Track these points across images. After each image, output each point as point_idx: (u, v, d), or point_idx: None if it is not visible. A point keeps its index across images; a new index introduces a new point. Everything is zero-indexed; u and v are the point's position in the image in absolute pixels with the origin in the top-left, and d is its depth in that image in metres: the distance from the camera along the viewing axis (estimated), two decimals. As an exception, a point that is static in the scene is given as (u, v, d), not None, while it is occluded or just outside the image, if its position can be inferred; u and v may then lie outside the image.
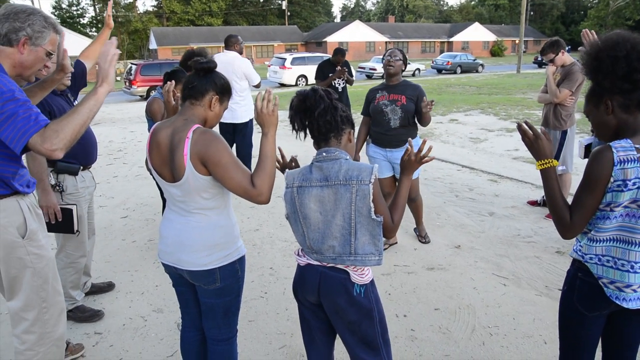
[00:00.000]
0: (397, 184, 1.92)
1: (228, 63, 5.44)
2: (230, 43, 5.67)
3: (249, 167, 4.85)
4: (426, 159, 1.89)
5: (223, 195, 1.98)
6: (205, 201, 1.93)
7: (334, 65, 6.77)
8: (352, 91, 14.53)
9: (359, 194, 1.73)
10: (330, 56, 6.98)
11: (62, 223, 2.87)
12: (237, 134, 5.71)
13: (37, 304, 2.10)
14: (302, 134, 1.87)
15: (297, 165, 2.21)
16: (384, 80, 4.18)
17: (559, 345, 1.92)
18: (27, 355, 2.12)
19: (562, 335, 1.88)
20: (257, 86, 5.70)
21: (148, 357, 2.83)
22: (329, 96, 1.82)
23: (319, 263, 1.85)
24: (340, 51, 6.81)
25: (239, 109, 5.57)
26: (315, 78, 6.94)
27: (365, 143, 4.33)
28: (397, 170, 4.21)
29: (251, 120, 5.77)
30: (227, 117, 5.53)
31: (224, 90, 2.00)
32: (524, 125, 1.75)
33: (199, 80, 1.94)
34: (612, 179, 1.56)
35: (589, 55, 1.64)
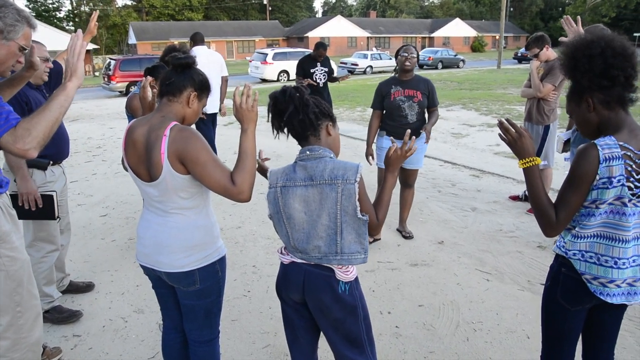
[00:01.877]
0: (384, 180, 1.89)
1: (213, 58, 5.78)
2: (201, 39, 5.87)
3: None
4: (410, 152, 1.88)
5: (202, 194, 1.93)
6: (184, 201, 1.88)
7: (315, 60, 6.71)
8: (341, 87, 14.49)
9: (345, 193, 1.70)
10: (312, 51, 6.92)
11: (43, 209, 2.83)
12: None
13: (10, 308, 2.02)
14: (284, 135, 1.84)
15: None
16: (395, 75, 4.23)
17: (541, 339, 1.93)
18: (0, 361, 2.05)
19: (544, 329, 1.90)
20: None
21: (129, 359, 2.77)
22: (300, 94, 1.79)
23: (303, 261, 1.82)
24: (321, 45, 6.74)
25: (214, 102, 5.82)
26: (296, 74, 6.86)
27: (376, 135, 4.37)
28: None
29: (216, 114, 6.02)
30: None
31: (203, 87, 1.94)
32: (505, 122, 1.72)
33: (177, 76, 1.88)
34: (597, 177, 1.56)
35: (565, 55, 1.65)
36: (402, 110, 4.09)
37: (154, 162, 1.79)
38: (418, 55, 4.21)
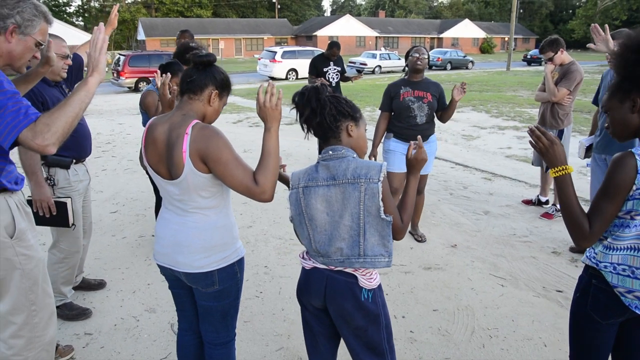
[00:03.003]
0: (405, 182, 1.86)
1: None
2: (191, 35, 5.81)
3: None
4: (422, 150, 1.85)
5: (222, 193, 1.90)
6: (204, 200, 1.85)
7: (328, 59, 6.65)
8: (350, 86, 14.45)
9: (368, 193, 1.66)
10: (324, 50, 6.85)
11: (57, 217, 2.79)
12: None
13: (25, 307, 2.00)
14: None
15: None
16: (404, 76, 4.20)
17: (569, 353, 1.87)
18: (14, 360, 2.02)
19: (573, 342, 1.83)
20: None
21: (141, 359, 2.74)
22: (318, 95, 1.75)
23: (325, 266, 1.78)
24: (335, 44, 6.67)
25: None
26: (309, 73, 6.81)
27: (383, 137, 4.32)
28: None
29: None
30: None
31: (224, 85, 1.91)
32: (536, 130, 1.66)
33: (198, 74, 1.85)
34: (634, 187, 1.51)
35: (628, 48, 1.56)
36: (412, 111, 4.04)
37: (175, 161, 1.76)
38: (429, 56, 4.17)
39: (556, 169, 1.63)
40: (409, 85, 4.07)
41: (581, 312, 1.74)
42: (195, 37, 5.23)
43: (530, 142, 1.70)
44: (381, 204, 1.67)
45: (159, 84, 3.25)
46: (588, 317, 1.71)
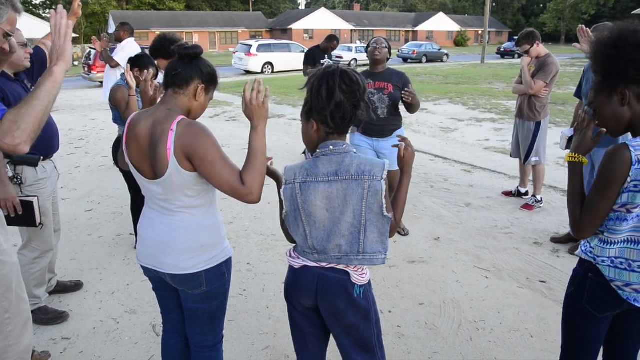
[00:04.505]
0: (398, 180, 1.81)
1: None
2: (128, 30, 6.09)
3: None
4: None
5: (208, 192, 1.82)
6: (190, 199, 1.77)
7: (325, 52, 6.62)
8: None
9: (371, 190, 1.61)
10: (321, 43, 6.81)
11: (23, 216, 2.66)
12: None
13: (-2, 314, 1.89)
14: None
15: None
16: (368, 68, 4.11)
17: (561, 345, 1.87)
18: (-12, 370, 1.92)
19: (566, 335, 1.83)
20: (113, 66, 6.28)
21: (122, 363, 2.65)
22: (363, 80, 1.66)
23: (316, 264, 1.73)
24: (335, 37, 6.68)
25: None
26: (304, 64, 6.71)
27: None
28: (382, 159, 4.19)
29: None
30: None
31: (211, 79, 1.82)
32: (588, 108, 1.69)
33: (184, 67, 1.76)
34: (629, 179, 1.50)
35: (604, 44, 1.56)
36: (372, 104, 3.94)
37: (159, 158, 1.67)
38: (390, 47, 4.08)
39: (573, 154, 1.70)
40: (370, 77, 4.00)
41: (576, 305, 1.74)
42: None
43: (580, 115, 1.72)
44: (384, 201, 1.63)
45: (128, 79, 3.14)
46: (583, 310, 1.71)
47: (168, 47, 3.33)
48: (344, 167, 1.64)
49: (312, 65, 6.55)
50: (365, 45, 4.21)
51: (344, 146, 1.68)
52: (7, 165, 2.64)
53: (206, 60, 1.82)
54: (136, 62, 3.45)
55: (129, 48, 6.12)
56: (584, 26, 3.02)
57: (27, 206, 2.66)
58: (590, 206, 1.57)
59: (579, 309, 1.73)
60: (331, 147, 1.67)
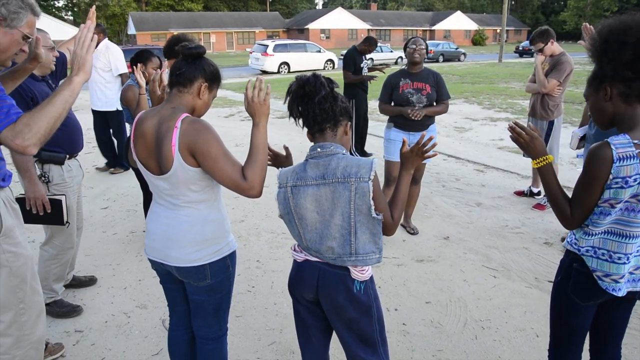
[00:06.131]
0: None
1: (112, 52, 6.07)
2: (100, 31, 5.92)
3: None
4: (428, 153, 1.81)
5: (213, 187, 1.88)
6: (195, 194, 1.83)
7: (363, 54, 6.60)
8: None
9: (359, 192, 1.64)
10: (359, 44, 6.70)
11: (51, 214, 2.74)
12: (111, 120, 6.34)
13: (13, 305, 1.97)
14: (300, 121, 1.76)
15: (289, 154, 2.11)
16: (404, 67, 4.19)
17: (550, 334, 1.92)
18: (2, 359, 1.99)
19: (553, 324, 1.89)
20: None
21: (132, 356, 2.72)
22: (330, 84, 1.72)
23: (317, 259, 1.77)
24: (373, 40, 6.60)
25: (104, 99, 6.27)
26: (344, 68, 6.59)
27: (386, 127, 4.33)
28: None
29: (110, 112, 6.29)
30: (99, 105, 6.37)
31: (214, 78, 1.88)
32: (516, 127, 1.76)
33: (187, 66, 1.82)
34: (611, 176, 1.54)
35: (599, 36, 1.58)
36: (411, 103, 4.05)
37: (165, 155, 1.74)
38: (427, 47, 4.16)
39: (538, 160, 1.73)
40: (408, 77, 4.08)
41: (562, 294, 1.80)
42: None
43: (511, 137, 1.79)
44: (372, 202, 1.65)
45: (138, 78, 3.23)
46: (569, 299, 1.77)
47: None
48: (330, 170, 1.68)
49: (353, 70, 6.50)
50: (403, 46, 4.25)
51: (332, 147, 1.71)
52: (35, 164, 2.73)
53: (209, 60, 1.88)
54: (137, 58, 3.55)
55: (114, 51, 6.12)
56: (587, 24, 3.01)
57: (56, 204, 2.74)
58: (578, 201, 1.63)
59: (564, 298, 1.79)
60: (319, 149, 1.72)
